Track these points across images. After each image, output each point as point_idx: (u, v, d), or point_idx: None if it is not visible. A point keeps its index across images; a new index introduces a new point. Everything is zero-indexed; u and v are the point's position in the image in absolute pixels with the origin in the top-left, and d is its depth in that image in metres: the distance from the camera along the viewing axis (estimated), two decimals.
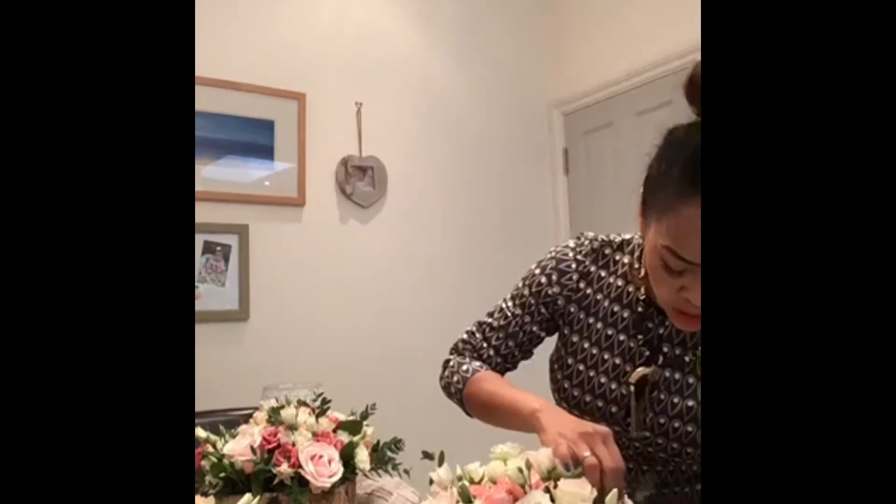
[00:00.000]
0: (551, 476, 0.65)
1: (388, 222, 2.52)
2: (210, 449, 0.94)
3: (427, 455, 0.92)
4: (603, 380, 0.89)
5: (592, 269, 0.94)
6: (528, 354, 1.01)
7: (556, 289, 0.94)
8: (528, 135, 2.85)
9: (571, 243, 0.97)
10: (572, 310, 0.93)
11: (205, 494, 0.87)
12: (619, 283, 0.92)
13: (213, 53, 2.19)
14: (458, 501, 0.63)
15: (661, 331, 0.87)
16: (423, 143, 2.60)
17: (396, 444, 1.05)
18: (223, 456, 0.91)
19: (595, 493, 0.61)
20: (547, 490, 0.62)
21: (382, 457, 1.02)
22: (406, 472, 1.07)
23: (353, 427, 1.00)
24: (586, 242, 0.97)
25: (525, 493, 0.62)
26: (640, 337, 0.88)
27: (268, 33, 2.35)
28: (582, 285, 0.93)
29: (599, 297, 0.92)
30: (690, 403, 0.85)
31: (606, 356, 0.90)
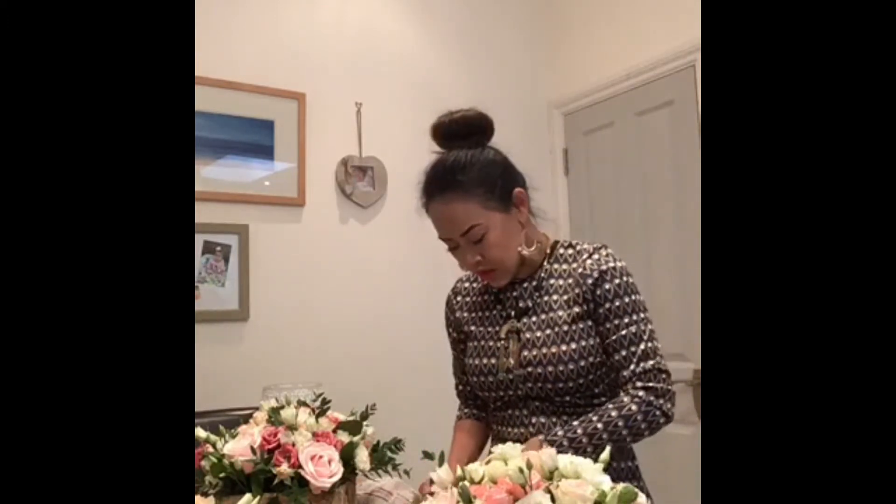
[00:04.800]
0: (552, 476, 0.65)
1: (388, 222, 2.52)
2: (210, 449, 0.94)
3: (427, 455, 0.92)
4: (486, 343, 1.21)
5: (458, 299, 1.31)
6: None
7: (450, 328, 1.33)
8: (528, 135, 2.85)
9: (450, 291, 1.34)
10: (464, 329, 1.27)
11: (205, 494, 0.87)
12: (478, 286, 1.28)
13: (213, 53, 2.18)
14: (458, 502, 0.62)
15: (510, 294, 1.20)
16: (423, 143, 2.57)
17: (396, 444, 1.05)
18: (223, 456, 0.90)
19: (596, 494, 0.61)
20: (547, 490, 0.62)
21: (382, 457, 1.02)
22: (406, 472, 1.07)
23: (353, 427, 1.00)
24: (452, 288, 1.34)
25: (525, 493, 0.62)
26: (499, 307, 1.22)
27: (268, 33, 2.35)
28: (458, 314, 1.29)
29: (466, 313, 1.27)
30: (547, 332, 1.13)
31: (482, 329, 1.23)
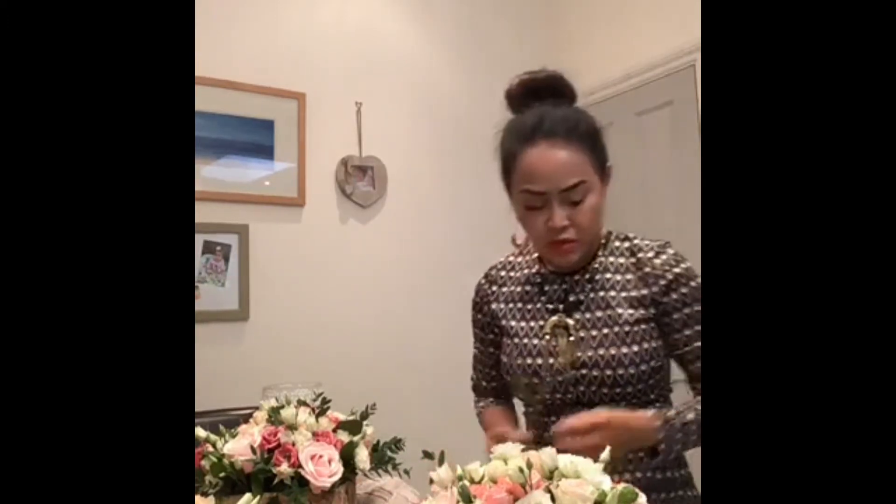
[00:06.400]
0: (552, 476, 0.65)
1: (388, 222, 2.52)
2: (210, 449, 0.93)
3: (427, 455, 0.92)
4: (528, 341, 1.07)
5: (494, 288, 1.16)
6: None
7: (480, 317, 1.19)
8: None
9: (481, 278, 1.20)
10: (502, 324, 1.13)
11: (205, 494, 0.87)
12: (518, 275, 1.14)
13: (213, 53, 2.19)
14: (458, 501, 0.62)
15: (557, 286, 1.07)
16: (423, 143, 2.59)
17: (396, 444, 1.05)
18: (223, 456, 0.90)
19: (596, 494, 0.61)
20: (547, 490, 0.62)
21: (382, 457, 1.02)
22: (406, 472, 1.07)
23: (353, 427, 1.00)
24: (484, 276, 1.20)
25: (525, 492, 0.62)
26: (543, 299, 1.08)
27: (268, 33, 2.35)
28: (493, 306, 1.15)
29: (504, 305, 1.13)
30: (605, 332, 1.01)
31: (523, 325, 1.09)
